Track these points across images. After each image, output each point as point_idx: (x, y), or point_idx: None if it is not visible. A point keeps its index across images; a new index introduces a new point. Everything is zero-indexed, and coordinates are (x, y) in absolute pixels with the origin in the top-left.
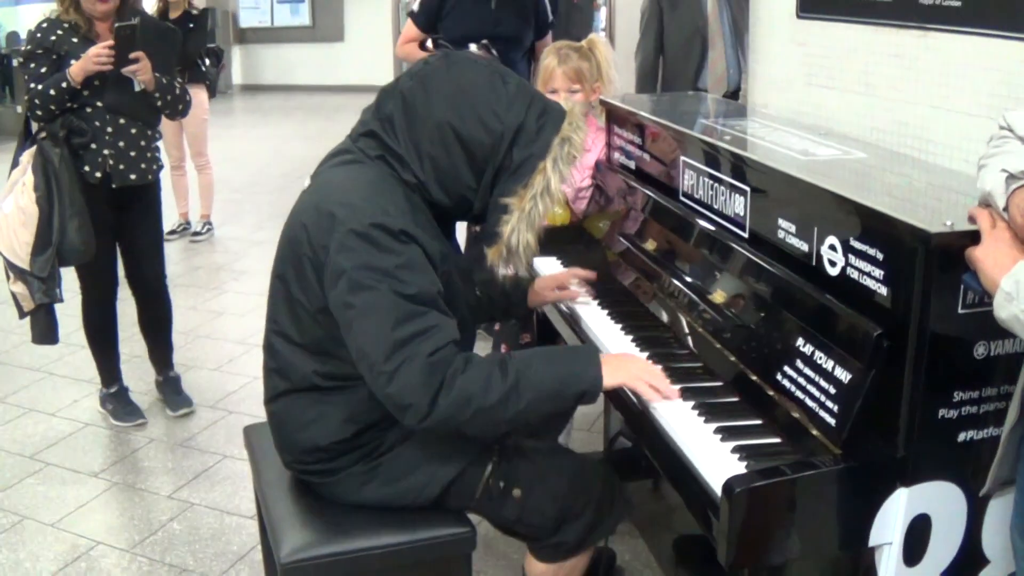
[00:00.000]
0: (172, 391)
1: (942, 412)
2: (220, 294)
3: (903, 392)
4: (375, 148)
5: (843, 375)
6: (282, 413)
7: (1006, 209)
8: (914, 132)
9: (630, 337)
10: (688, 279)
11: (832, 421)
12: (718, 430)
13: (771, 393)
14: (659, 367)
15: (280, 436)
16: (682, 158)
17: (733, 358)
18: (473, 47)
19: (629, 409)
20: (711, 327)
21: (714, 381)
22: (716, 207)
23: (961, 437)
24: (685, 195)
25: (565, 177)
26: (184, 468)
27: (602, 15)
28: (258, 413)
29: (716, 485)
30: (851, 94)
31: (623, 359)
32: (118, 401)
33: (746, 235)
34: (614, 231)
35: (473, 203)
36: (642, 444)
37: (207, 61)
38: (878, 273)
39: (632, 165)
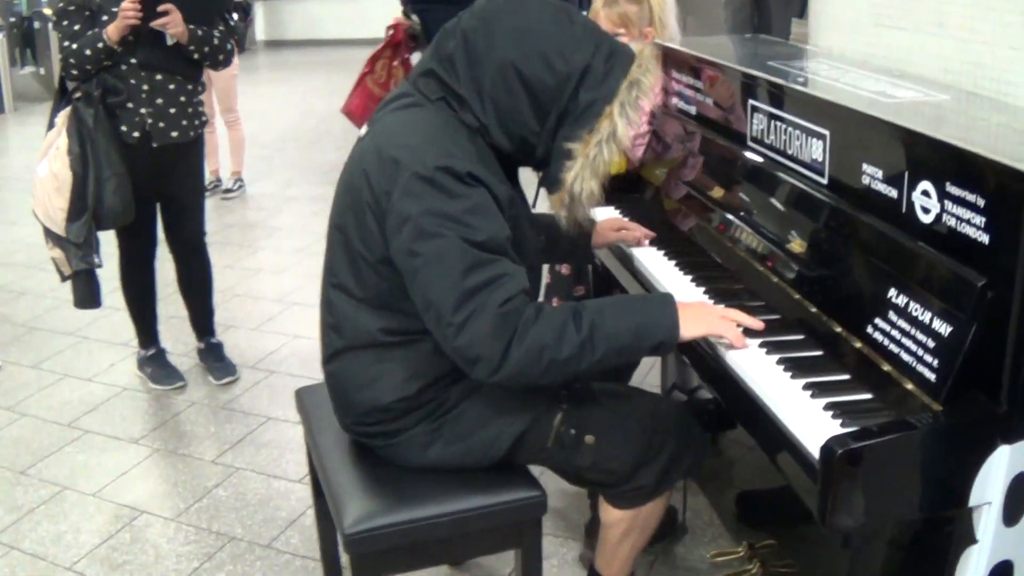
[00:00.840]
0: (215, 358)
1: None
2: (255, 251)
3: (1007, 345)
4: (436, 89)
5: (943, 327)
6: (341, 372)
7: None
8: (991, 74)
9: (701, 289)
10: (761, 227)
11: (932, 376)
12: (807, 386)
13: (858, 346)
14: (739, 318)
15: (339, 397)
16: (750, 101)
17: (814, 309)
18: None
19: (706, 363)
20: (789, 277)
21: (794, 334)
22: (790, 152)
23: None
24: (754, 140)
25: (633, 122)
26: (227, 432)
27: None
28: (300, 373)
29: (811, 446)
30: (923, 35)
31: (699, 308)
32: (156, 364)
33: (825, 181)
34: (674, 179)
35: (535, 147)
36: (722, 401)
37: (235, 16)
38: (979, 220)
39: (692, 110)
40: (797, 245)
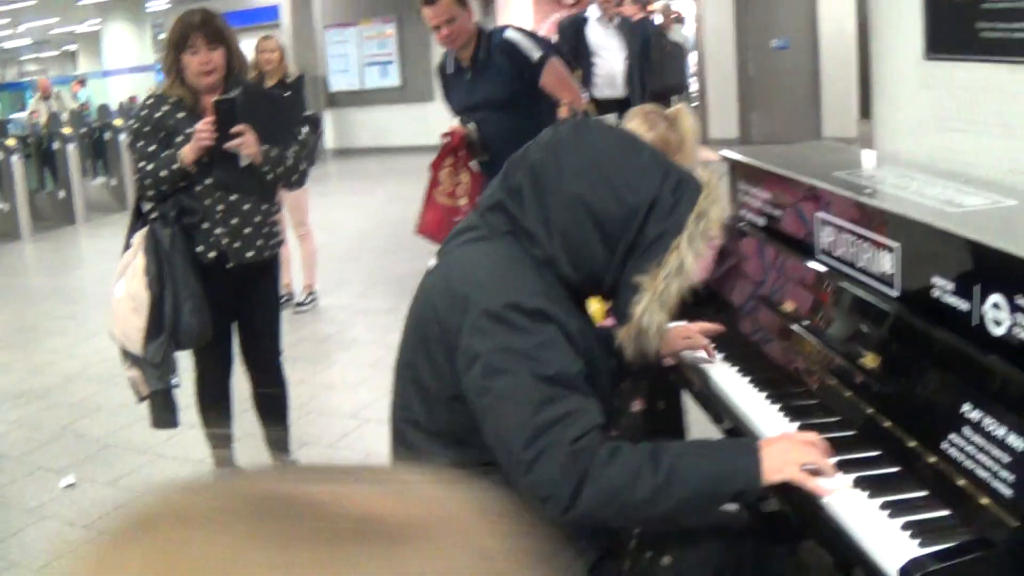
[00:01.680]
0: None
1: None
2: (329, 366)
3: None
4: (504, 223)
5: (1018, 442)
6: None
7: None
8: None
9: (777, 406)
10: (832, 341)
11: (1008, 492)
12: (885, 505)
13: (933, 461)
14: (821, 445)
15: None
16: (818, 214)
17: (888, 424)
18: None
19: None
20: (861, 391)
21: (869, 450)
22: (860, 265)
23: None
24: (824, 252)
25: (700, 255)
26: None
27: (691, 60)
28: None
29: (891, 568)
30: (987, 136)
31: (783, 447)
32: None
33: (896, 293)
34: (742, 291)
35: (604, 279)
36: (802, 524)
37: (304, 128)
38: None
39: (760, 222)
40: (870, 359)
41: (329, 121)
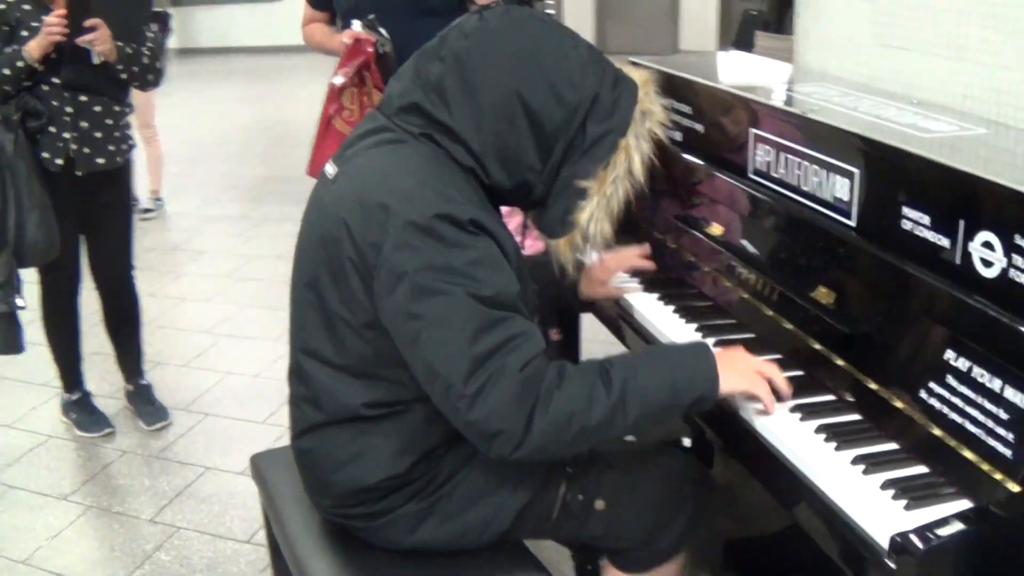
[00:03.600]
0: (145, 402)
1: None
2: (178, 277)
3: None
4: (419, 123)
5: (1018, 397)
6: (317, 450)
7: None
8: (1014, 101)
9: (711, 340)
10: (777, 273)
11: (1008, 452)
12: (857, 460)
13: (898, 406)
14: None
15: (314, 478)
16: (753, 131)
17: (847, 366)
18: (356, 24)
19: (731, 429)
20: (816, 331)
21: (825, 395)
22: (806, 190)
23: None
24: (759, 172)
25: (646, 156)
26: (164, 485)
27: None
28: (238, 415)
29: (876, 532)
30: (937, 58)
31: (737, 357)
32: (82, 409)
33: (853, 223)
34: (663, 215)
35: (535, 187)
36: (750, 469)
37: (154, 27)
38: None
39: (678, 136)
40: (823, 295)
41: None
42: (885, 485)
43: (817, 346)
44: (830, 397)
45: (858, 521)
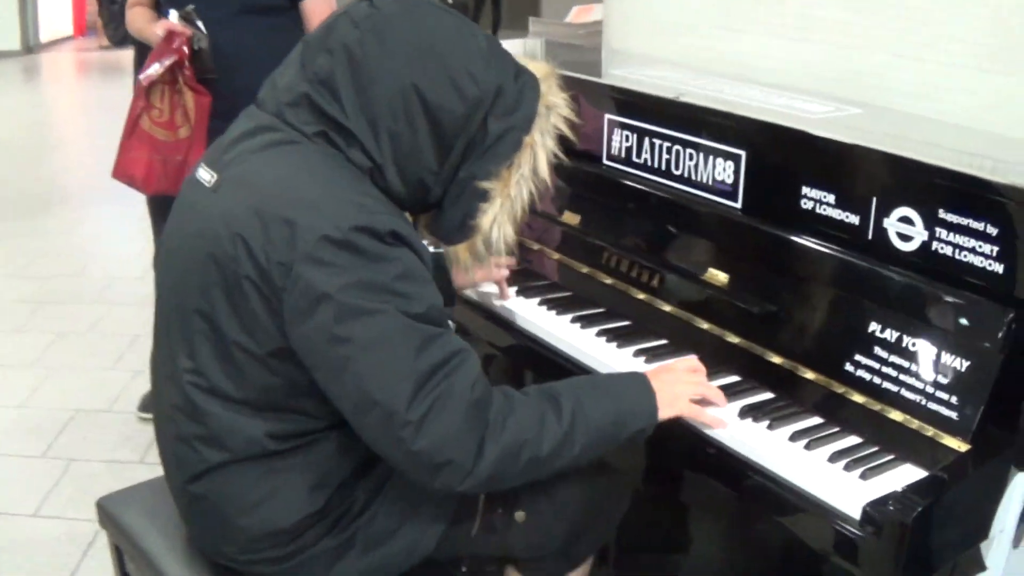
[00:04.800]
0: None
1: None
2: None
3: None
4: (311, 121)
5: (958, 362)
6: (216, 493)
7: None
8: (871, 82)
9: (617, 346)
10: (662, 259)
11: (953, 414)
12: (795, 436)
13: (811, 377)
14: (703, 375)
15: (212, 524)
16: (608, 116)
17: (736, 340)
18: (173, 15)
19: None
20: (717, 316)
21: (730, 375)
22: (679, 174)
23: None
24: (613, 158)
25: (552, 153)
26: None
27: None
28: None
29: (840, 504)
30: (782, 39)
31: (670, 380)
32: None
33: (738, 206)
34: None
35: (431, 190)
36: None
37: None
38: (988, 248)
39: None
40: (714, 276)
41: None
42: (833, 458)
43: (705, 325)
44: (737, 378)
45: (824, 498)
